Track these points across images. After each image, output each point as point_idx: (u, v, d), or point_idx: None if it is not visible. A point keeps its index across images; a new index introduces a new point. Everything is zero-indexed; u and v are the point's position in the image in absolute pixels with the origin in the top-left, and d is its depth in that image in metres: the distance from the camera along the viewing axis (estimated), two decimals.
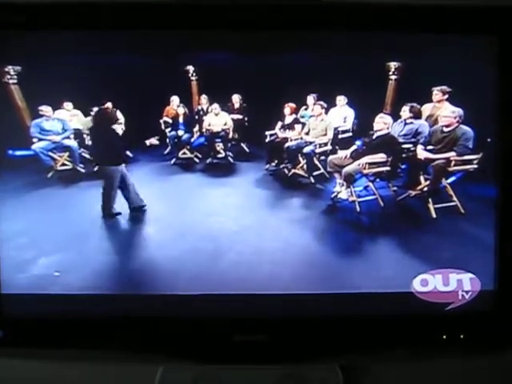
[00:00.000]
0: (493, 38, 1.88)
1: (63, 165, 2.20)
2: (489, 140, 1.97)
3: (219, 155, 2.39)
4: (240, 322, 1.92)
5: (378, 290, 1.95)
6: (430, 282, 1.96)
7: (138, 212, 2.12)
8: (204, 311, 1.95)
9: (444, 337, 1.94)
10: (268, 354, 1.88)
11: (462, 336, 1.94)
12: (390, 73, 2.06)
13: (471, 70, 1.93)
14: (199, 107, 2.30)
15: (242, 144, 2.40)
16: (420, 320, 1.95)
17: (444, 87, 2.00)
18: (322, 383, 1.84)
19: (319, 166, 2.29)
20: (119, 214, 2.13)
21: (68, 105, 2.06)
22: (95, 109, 2.10)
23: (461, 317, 1.96)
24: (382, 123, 2.14)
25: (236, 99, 2.29)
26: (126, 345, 1.91)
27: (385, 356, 1.93)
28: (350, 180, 2.16)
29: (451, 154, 2.08)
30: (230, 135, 2.40)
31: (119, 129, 2.25)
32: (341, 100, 2.20)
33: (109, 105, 2.11)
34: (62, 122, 2.16)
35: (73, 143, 2.22)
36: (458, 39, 1.91)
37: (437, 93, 2.03)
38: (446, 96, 2.01)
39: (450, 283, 1.96)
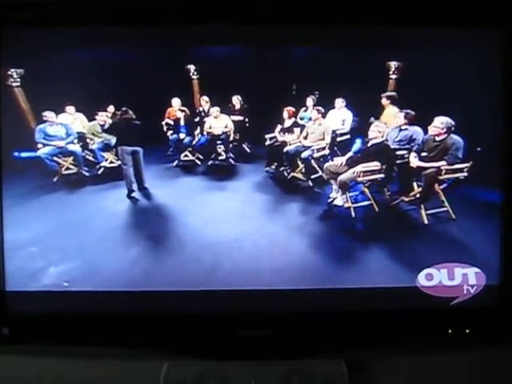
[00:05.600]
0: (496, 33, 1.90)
1: (68, 169, 2.23)
2: (479, 149, 2.02)
3: (220, 157, 2.41)
4: (245, 317, 1.94)
5: (382, 284, 1.97)
6: (435, 277, 1.97)
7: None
8: (208, 307, 1.97)
9: (449, 331, 1.94)
10: (273, 349, 1.88)
11: (467, 330, 1.94)
12: (390, 72, 2.08)
13: (464, 79, 1.97)
14: (200, 109, 2.32)
15: (243, 145, 2.42)
16: (425, 314, 1.95)
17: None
18: (327, 378, 1.82)
19: (317, 168, 2.32)
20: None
21: (70, 108, 2.08)
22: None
23: (466, 311, 1.97)
24: (377, 131, 2.19)
25: (236, 100, 2.31)
26: (131, 341, 1.90)
27: (390, 351, 1.92)
28: (344, 187, 2.19)
29: (442, 163, 2.13)
30: (231, 137, 2.42)
31: None
32: (339, 102, 2.23)
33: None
34: (66, 127, 2.17)
35: (77, 148, 2.25)
36: (453, 38, 1.93)
37: None
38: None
39: (455, 277, 1.97)
